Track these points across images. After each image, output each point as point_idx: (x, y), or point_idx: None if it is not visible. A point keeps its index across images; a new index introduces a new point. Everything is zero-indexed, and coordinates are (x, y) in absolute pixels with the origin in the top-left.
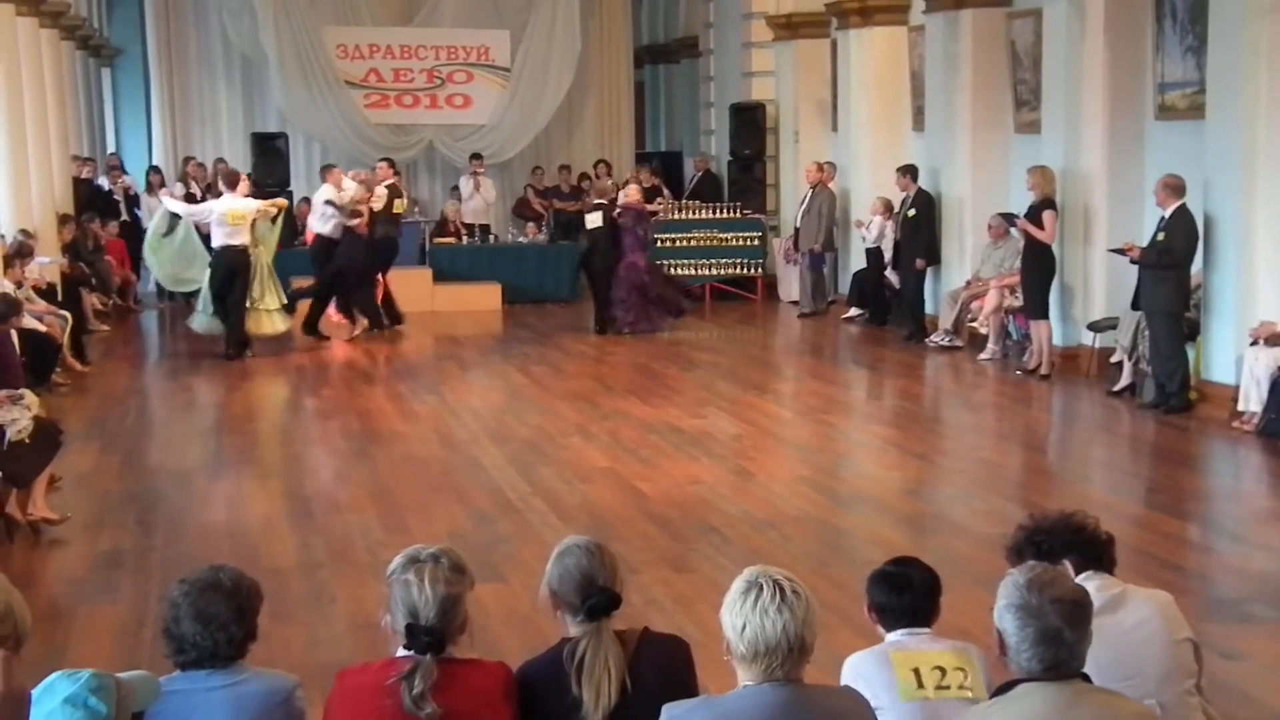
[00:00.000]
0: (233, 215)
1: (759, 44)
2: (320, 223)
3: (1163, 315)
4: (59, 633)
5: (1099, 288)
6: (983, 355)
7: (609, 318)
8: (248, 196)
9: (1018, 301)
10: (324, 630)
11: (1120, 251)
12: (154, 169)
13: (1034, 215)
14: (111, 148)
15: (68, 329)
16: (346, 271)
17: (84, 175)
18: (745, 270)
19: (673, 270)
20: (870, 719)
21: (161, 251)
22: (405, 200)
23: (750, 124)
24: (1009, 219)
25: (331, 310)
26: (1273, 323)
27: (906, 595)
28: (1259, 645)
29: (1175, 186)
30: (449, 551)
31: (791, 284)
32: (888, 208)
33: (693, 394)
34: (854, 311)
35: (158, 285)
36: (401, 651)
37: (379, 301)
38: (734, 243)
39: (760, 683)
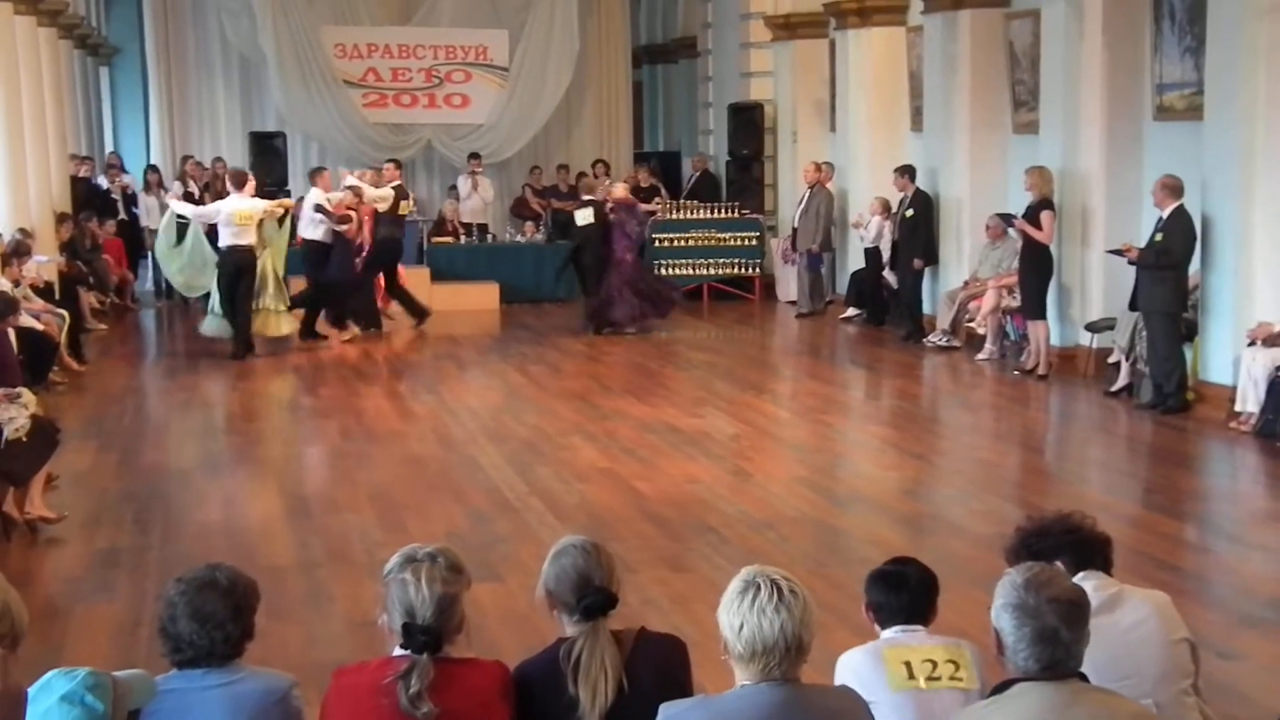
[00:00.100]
0: (240, 215)
1: (757, 44)
2: (310, 228)
3: (1160, 316)
4: (56, 631)
5: (1097, 288)
6: (980, 355)
7: (606, 318)
8: (255, 196)
9: (1015, 302)
10: (321, 629)
11: (1118, 252)
12: (152, 168)
13: (1032, 216)
14: (110, 147)
15: (65, 328)
16: (341, 281)
17: (82, 174)
18: (743, 270)
19: (671, 270)
20: (867, 718)
21: (175, 261)
22: (411, 201)
23: (748, 124)
24: (1007, 219)
25: (321, 319)
26: (1270, 323)
27: (904, 594)
28: (1256, 645)
29: (1173, 187)
30: (446, 551)
31: (789, 284)
32: (886, 208)
33: (690, 394)
34: (852, 311)
35: (155, 284)
36: (398, 651)
37: (384, 303)
38: (732, 243)
39: (757, 682)
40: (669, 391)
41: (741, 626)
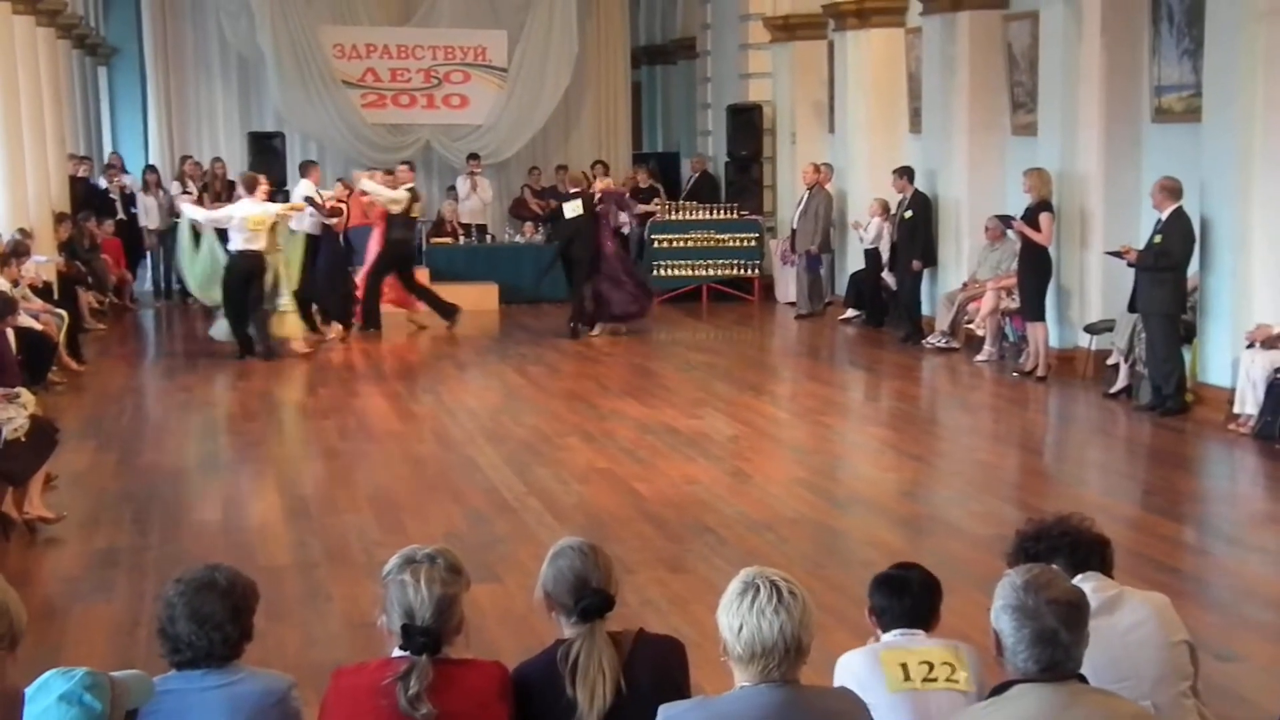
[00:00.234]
0: (252, 221)
1: (756, 45)
2: (297, 220)
3: (1159, 317)
4: (54, 631)
5: (1095, 290)
6: (979, 357)
7: (600, 314)
8: (267, 200)
9: (1014, 303)
10: (320, 630)
11: (1117, 254)
12: (150, 168)
13: (1030, 217)
14: (108, 147)
15: (64, 328)
16: (329, 275)
17: (80, 174)
18: (742, 271)
19: (670, 272)
20: (866, 719)
21: (195, 265)
22: (421, 203)
23: (747, 125)
24: (1005, 221)
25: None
26: (1268, 325)
27: (906, 599)
28: (1254, 647)
29: (1172, 189)
30: (445, 552)
31: (788, 285)
32: (885, 209)
33: (689, 395)
34: (851, 313)
35: (154, 284)
36: (397, 652)
37: (412, 305)
38: (731, 244)
39: (757, 684)
40: (668, 392)
41: (741, 628)
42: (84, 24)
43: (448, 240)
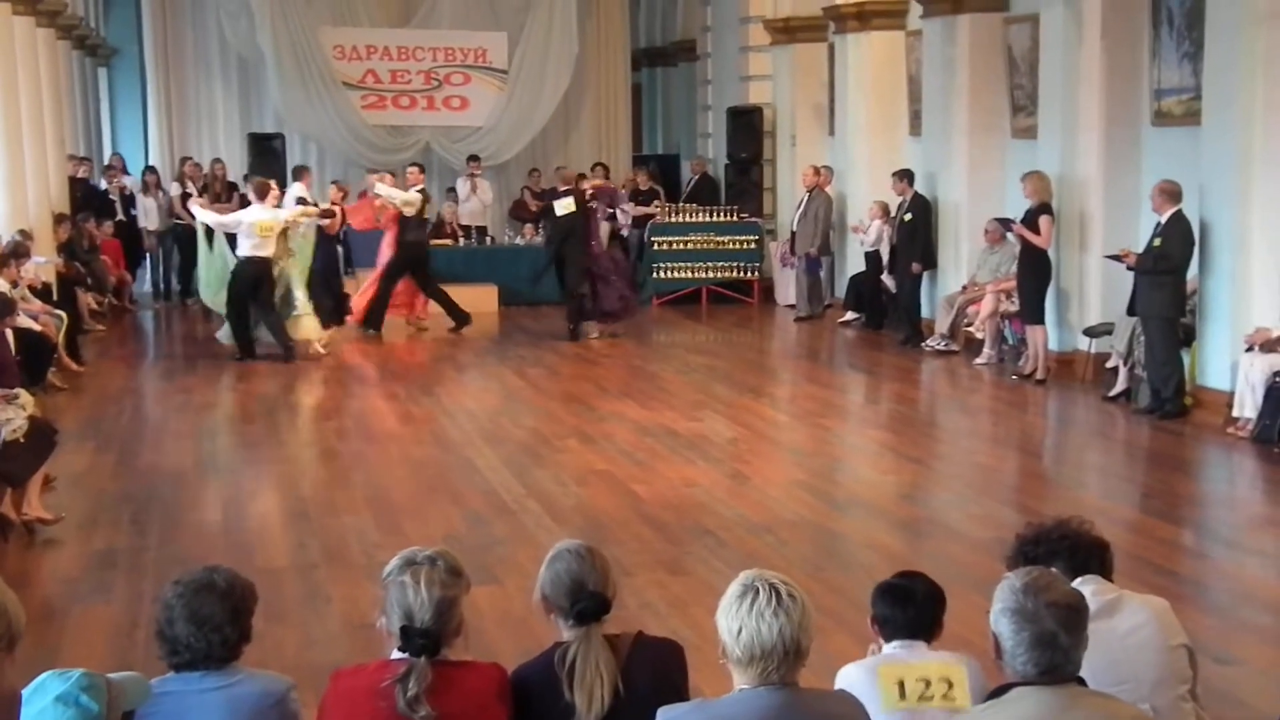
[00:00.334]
0: (261, 227)
1: (756, 48)
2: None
3: (1158, 321)
4: (52, 633)
5: (1095, 293)
6: (978, 360)
7: (596, 311)
8: (277, 206)
9: (1014, 306)
10: (319, 631)
11: (1116, 257)
12: (150, 169)
13: (1030, 220)
14: (108, 148)
15: (63, 329)
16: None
17: (80, 175)
18: (742, 273)
19: (670, 274)
20: None
21: (208, 271)
22: (430, 206)
23: (747, 127)
24: (1005, 224)
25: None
26: (1268, 329)
27: (909, 609)
28: (1253, 651)
29: (1171, 192)
30: (445, 554)
31: (788, 287)
32: (885, 212)
33: (688, 397)
34: (850, 315)
35: (153, 285)
36: (396, 654)
37: (422, 307)
38: (731, 246)
39: (756, 686)
40: (667, 394)
41: (740, 630)
42: (84, 25)
43: (447, 242)
